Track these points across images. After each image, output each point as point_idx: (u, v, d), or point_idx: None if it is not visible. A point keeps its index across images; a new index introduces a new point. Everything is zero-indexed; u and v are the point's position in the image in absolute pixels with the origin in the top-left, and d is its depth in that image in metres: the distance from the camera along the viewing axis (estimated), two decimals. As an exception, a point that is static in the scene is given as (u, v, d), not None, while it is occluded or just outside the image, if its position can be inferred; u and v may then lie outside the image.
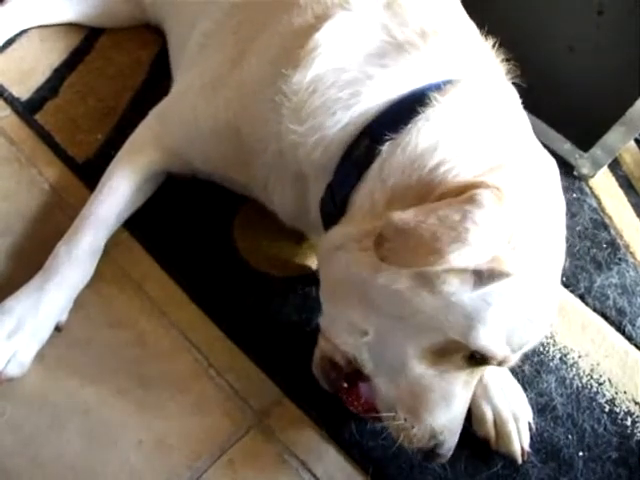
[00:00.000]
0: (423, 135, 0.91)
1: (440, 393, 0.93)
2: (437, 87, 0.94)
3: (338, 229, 0.97)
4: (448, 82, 0.95)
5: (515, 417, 1.15)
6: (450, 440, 0.96)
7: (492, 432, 1.14)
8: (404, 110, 0.94)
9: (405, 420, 0.95)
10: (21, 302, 1.09)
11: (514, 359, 0.93)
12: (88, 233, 1.15)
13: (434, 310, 0.86)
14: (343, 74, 0.98)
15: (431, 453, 0.96)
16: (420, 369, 0.92)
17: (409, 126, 0.92)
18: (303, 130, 0.99)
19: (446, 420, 0.94)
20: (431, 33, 0.99)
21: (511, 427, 1.14)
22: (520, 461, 1.14)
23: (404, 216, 0.81)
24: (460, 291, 0.84)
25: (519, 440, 1.14)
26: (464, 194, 0.81)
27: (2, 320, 1.07)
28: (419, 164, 0.90)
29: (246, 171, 1.15)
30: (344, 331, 0.97)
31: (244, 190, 1.25)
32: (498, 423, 1.14)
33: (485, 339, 0.87)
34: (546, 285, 0.91)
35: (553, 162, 0.99)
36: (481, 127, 0.93)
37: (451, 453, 0.98)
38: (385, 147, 0.93)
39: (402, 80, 0.97)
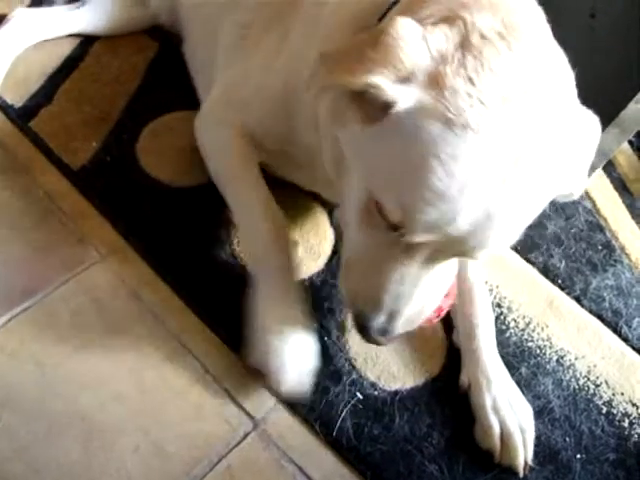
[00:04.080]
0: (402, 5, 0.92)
1: (372, 261, 0.90)
2: None
3: None
4: None
5: (522, 430, 1.14)
6: (374, 317, 0.91)
7: (498, 445, 1.13)
8: None
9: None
10: (279, 318, 1.09)
11: (421, 238, 0.82)
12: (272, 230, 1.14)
13: (349, 152, 0.88)
14: None
15: (360, 326, 0.94)
16: (358, 231, 0.92)
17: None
18: None
19: (371, 291, 0.91)
20: None
21: (518, 441, 1.13)
22: (522, 475, 1.13)
23: (330, 48, 0.86)
24: (358, 129, 0.84)
25: (524, 453, 1.13)
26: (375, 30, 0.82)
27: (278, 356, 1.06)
28: None
29: (299, 142, 1.17)
30: None
31: (298, 172, 1.28)
32: (505, 436, 1.13)
33: (376, 187, 0.84)
34: (466, 151, 0.76)
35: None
36: None
37: (383, 338, 0.93)
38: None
39: None
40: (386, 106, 0.79)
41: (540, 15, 0.92)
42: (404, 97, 0.77)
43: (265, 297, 1.12)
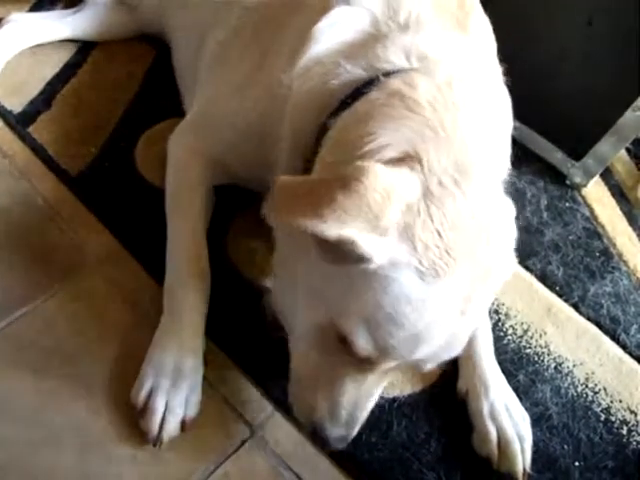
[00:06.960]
0: (354, 114, 0.94)
1: (325, 376, 0.93)
2: (387, 74, 0.96)
3: None
4: (402, 70, 0.97)
5: (520, 437, 1.14)
6: (333, 429, 0.95)
7: (495, 452, 1.13)
8: (355, 93, 0.98)
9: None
10: (166, 350, 1.09)
11: (385, 365, 0.90)
12: (192, 264, 1.16)
13: (309, 281, 0.90)
14: (317, 66, 1.03)
15: (316, 435, 0.97)
16: (309, 349, 0.94)
17: (353, 105, 0.96)
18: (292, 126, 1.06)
19: (327, 406, 0.94)
20: (412, 25, 1.01)
21: (516, 447, 1.13)
22: None
23: (291, 179, 0.86)
24: (322, 264, 0.84)
25: (522, 461, 1.13)
26: (343, 173, 0.81)
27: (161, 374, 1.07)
28: (344, 140, 0.93)
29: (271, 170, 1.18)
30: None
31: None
32: (502, 443, 1.13)
33: (346, 324, 0.85)
34: (434, 295, 0.83)
35: (502, 164, 0.99)
36: (409, 114, 0.90)
37: (342, 445, 0.98)
38: (332, 122, 0.97)
39: (364, 68, 1.00)
40: (359, 259, 0.79)
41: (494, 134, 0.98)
42: (380, 253, 0.79)
43: (163, 333, 1.11)
